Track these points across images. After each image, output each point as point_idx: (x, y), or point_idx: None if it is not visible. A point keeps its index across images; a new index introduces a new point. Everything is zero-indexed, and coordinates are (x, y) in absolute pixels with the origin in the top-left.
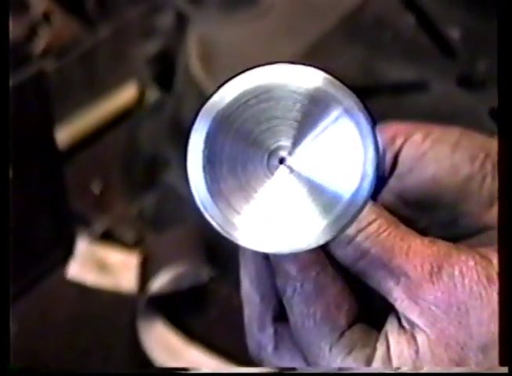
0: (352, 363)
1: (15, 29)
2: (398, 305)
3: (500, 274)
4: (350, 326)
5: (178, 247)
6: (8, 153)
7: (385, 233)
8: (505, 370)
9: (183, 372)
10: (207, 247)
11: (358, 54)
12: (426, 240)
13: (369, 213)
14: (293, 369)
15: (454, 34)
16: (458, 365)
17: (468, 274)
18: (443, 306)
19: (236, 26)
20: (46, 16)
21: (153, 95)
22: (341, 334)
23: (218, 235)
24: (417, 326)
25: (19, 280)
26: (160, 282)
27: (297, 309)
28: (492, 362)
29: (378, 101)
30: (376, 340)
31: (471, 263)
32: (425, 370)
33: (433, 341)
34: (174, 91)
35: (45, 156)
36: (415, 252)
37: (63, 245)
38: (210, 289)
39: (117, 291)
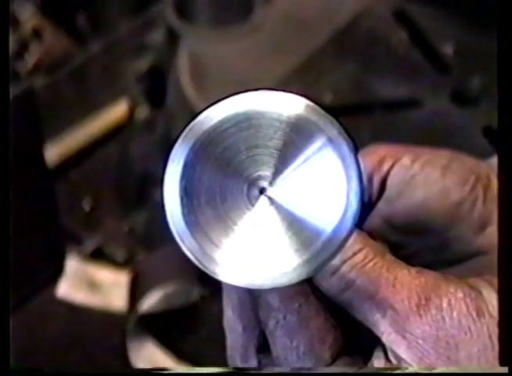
0: None
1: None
2: (384, 338)
3: (500, 274)
4: (334, 359)
5: (168, 265)
6: (7, 168)
7: (371, 264)
8: (505, 370)
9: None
10: (197, 266)
11: (350, 70)
12: (413, 270)
13: (354, 242)
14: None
15: (447, 49)
16: None
17: (457, 307)
18: (431, 340)
19: (228, 42)
20: (36, 32)
21: (143, 111)
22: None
23: None
24: (404, 360)
25: (8, 299)
26: (150, 301)
27: (279, 342)
28: None
29: (370, 118)
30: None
31: (460, 295)
32: (425, 369)
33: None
34: (165, 107)
35: (34, 173)
36: (401, 284)
37: (53, 263)
38: (201, 308)
39: (107, 309)
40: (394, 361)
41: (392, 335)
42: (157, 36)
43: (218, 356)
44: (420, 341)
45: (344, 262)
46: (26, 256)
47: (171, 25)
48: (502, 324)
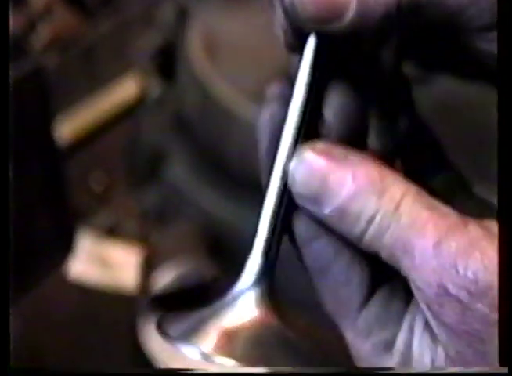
0: (371, 351)
1: (15, 23)
2: (406, 274)
3: (500, 275)
4: (366, 301)
5: (181, 244)
6: (8, 153)
7: (403, 206)
8: (505, 370)
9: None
10: (209, 245)
11: None
12: (438, 210)
13: (388, 187)
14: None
15: None
16: None
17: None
18: (442, 278)
19: (237, 18)
20: (47, 11)
21: (154, 88)
22: (357, 315)
23: (220, 232)
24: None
25: (21, 280)
26: (162, 280)
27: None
28: None
29: None
30: (398, 320)
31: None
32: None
33: (451, 357)
34: (176, 84)
35: (44, 152)
36: (423, 224)
37: (65, 243)
38: (213, 287)
39: (118, 288)
40: (435, 328)
41: (412, 274)
42: (168, 13)
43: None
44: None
45: (378, 210)
46: (38, 236)
47: (182, 2)
48: (502, 324)
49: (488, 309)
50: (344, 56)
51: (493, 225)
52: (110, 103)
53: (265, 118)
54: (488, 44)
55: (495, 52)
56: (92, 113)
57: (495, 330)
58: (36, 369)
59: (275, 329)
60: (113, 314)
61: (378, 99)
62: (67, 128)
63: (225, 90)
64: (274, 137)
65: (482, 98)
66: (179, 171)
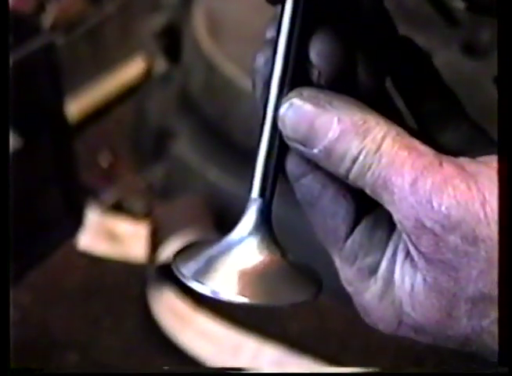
0: (356, 275)
1: (23, 3)
2: (388, 208)
3: (500, 275)
4: (351, 231)
5: (186, 216)
6: (8, 144)
7: (384, 146)
8: (505, 370)
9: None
10: (214, 216)
11: None
12: (417, 150)
13: (370, 127)
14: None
15: (458, 3)
16: (449, 314)
17: (447, 188)
18: (419, 217)
19: None
20: None
21: (160, 68)
22: (343, 243)
23: (225, 204)
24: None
25: (31, 251)
26: (169, 251)
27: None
28: (480, 313)
29: None
30: (381, 248)
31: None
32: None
33: (428, 283)
34: (182, 63)
35: (55, 128)
36: (402, 162)
37: (74, 217)
38: None
39: (126, 260)
40: (415, 257)
41: (392, 209)
42: None
43: (235, 304)
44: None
45: (361, 150)
46: (48, 211)
47: None
48: (502, 324)
49: (459, 241)
50: (323, 4)
51: (467, 163)
52: (117, 82)
53: (259, 63)
54: None
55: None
56: (99, 92)
57: (466, 260)
58: (36, 369)
59: (278, 266)
60: (121, 283)
61: (363, 35)
62: (75, 106)
63: (229, 68)
64: (268, 81)
65: (478, 73)
66: (185, 147)
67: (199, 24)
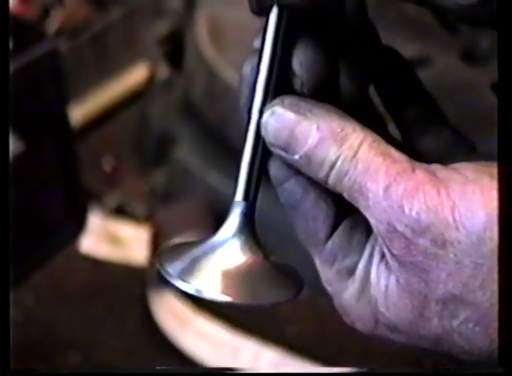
0: (335, 276)
1: (28, 9)
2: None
3: (501, 276)
4: (331, 233)
5: (187, 220)
6: (7, 145)
7: (361, 153)
8: (505, 370)
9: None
10: (215, 220)
11: None
12: (391, 157)
13: (349, 134)
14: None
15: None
16: (420, 314)
17: (418, 194)
18: (392, 224)
19: (244, 5)
20: None
21: (163, 74)
22: (323, 246)
23: (225, 208)
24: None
25: (34, 254)
26: None
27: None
28: (451, 313)
29: None
30: (359, 250)
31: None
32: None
33: (401, 284)
34: (184, 69)
35: (58, 132)
36: (376, 169)
37: (77, 220)
38: None
39: (128, 263)
40: (389, 261)
41: (367, 213)
42: (176, 1)
43: (235, 307)
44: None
45: (339, 156)
46: (51, 214)
47: None
48: (502, 324)
49: (429, 244)
50: (306, 15)
51: (439, 169)
52: (120, 87)
53: (246, 71)
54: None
55: (449, 6)
56: (103, 97)
57: (435, 262)
58: (36, 369)
59: (261, 267)
60: (123, 286)
61: (346, 44)
62: (79, 111)
63: (231, 75)
64: (252, 89)
65: (477, 80)
66: (186, 152)
67: (201, 31)
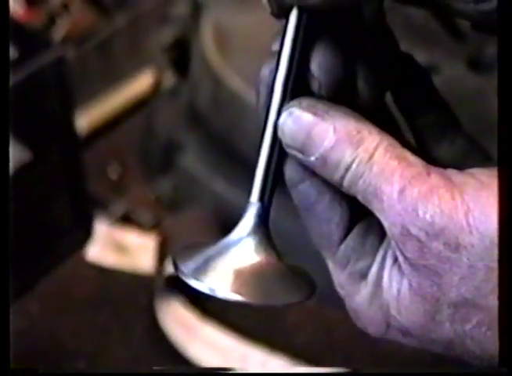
0: (348, 279)
1: (35, 17)
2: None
3: (501, 277)
4: (345, 236)
5: (193, 227)
6: (7, 141)
7: (376, 156)
8: (505, 370)
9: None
10: (221, 228)
11: None
12: (406, 160)
13: (363, 138)
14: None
15: (464, 21)
16: (432, 318)
17: (433, 198)
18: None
19: (249, 12)
20: (65, 6)
21: (169, 81)
22: (337, 248)
23: (232, 215)
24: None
25: (41, 262)
26: None
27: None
28: (463, 317)
29: None
30: (372, 253)
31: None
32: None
33: (414, 288)
34: (190, 77)
35: (64, 140)
36: (392, 171)
37: (83, 228)
38: None
39: (135, 271)
40: (402, 264)
41: (381, 216)
42: (181, 8)
43: (242, 315)
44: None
45: (354, 159)
46: (57, 222)
47: None
48: (502, 324)
49: (442, 247)
50: (326, 19)
51: (454, 174)
52: (126, 95)
53: (264, 73)
54: (462, 4)
55: (467, 11)
56: (109, 105)
57: (448, 266)
58: (36, 369)
59: (274, 268)
60: (129, 294)
61: (364, 49)
62: (85, 119)
63: (237, 82)
64: (270, 91)
65: (483, 88)
66: (192, 160)
67: (207, 38)
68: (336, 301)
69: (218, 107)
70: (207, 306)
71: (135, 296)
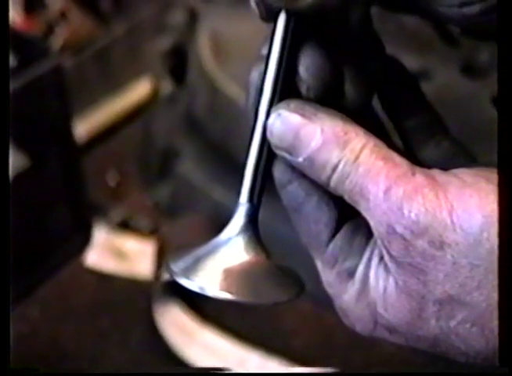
0: (336, 278)
1: (33, 26)
2: (364, 214)
3: (501, 278)
4: (333, 236)
5: (191, 234)
6: (7, 146)
7: (363, 156)
8: (505, 370)
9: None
10: (219, 233)
11: None
12: (392, 161)
13: (351, 138)
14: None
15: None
16: (418, 315)
17: (416, 197)
18: (391, 224)
19: (245, 20)
20: (63, 14)
21: (166, 89)
22: (325, 248)
23: (229, 221)
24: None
25: (40, 268)
26: None
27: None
28: (448, 314)
29: None
30: (359, 253)
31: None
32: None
33: (399, 286)
34: (187, 84)
35: (63, 148)
36: (377, 172)
37: (82, 234)
38: None
39: (133, 277)
40: (388, 262)
41: (367, 215)
42: (178, 16)
43: (240, 319)
44: (384, 223)
45: (341, 159)
46: (56, 228)
47: (192, 5)
48: (502, 324)
49: (427, 245)
50: (313, 22)
51: (438, 174)
52: (124, 102)
53: (254, 76)
54: (446, 8)
55: (452, 15)
56: (107, 112)
57: (433, 263)
58: (36, 369)
59: (263, 267)
60: (128, 299)
61: (351, 52)
62: (83, 126)
63: (233, 89)
64: (259, 93)
65: (477, 93)
66: (190, 166)
67: (203, 46)
68: (333, 305)
69: (215, 114)
70: (205, 311)
71: (134, 301)
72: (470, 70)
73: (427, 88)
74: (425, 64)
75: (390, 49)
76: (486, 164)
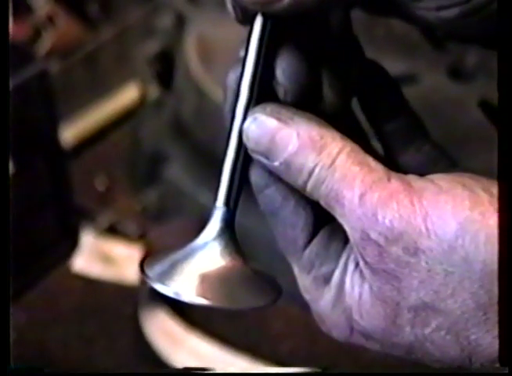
0: (312, 284)
1: (21, 31)
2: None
3: (501, 277)
4: (309, 241)
5: (179, 239)
6: (8, 150)
7: (339, 161)
8: (505, 370)
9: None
10: None
11: None
12: (368, 166)
13: (327, 143)
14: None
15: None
16: (393, 322)
17: (391, 202)
18: (366, 231)
19: (233, 25)
20: (50, 19)
21: (153, 93)
22: (301, 253)
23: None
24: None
25: (27, 273)
26: None
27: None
28: (423, 321)
29: None
30: (335, 258)
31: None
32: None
33: (374, 292)
34: (174, 89)
35: (50, 154)
36: (353, 176)
37: (69, 239)
38: None
39: (120, 282)
40: (363, 268)
41: (342, 220)
42: (166, 21)
43: (227, 325)
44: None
45: (317, 164)
46: (43, 233)
47: (179, 9)
48: (502, 324)
49: (401, 252)
50: (290, 25)
51: (414, 179)
52: (112, 107)
53: (231, 79)
54: (424, 11)
55: (430, 18)
56: (94, 117)
57: (407, 270)
58: (36, 369)
59: (240, 272)
60: (115, 304)
61: (329, 56)
62: (71, 131)
63: (220, 94)
64: (236, 96)
65: (464, 96)
66: (178, 171)
67: (190, 51)
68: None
69: (202, 119)
70: (192, 316)
71: (121, 306)
72: (457, 73)
73: (414, 91)
74: (413, 68)
75: (378, 53)
76: (466, 170)
